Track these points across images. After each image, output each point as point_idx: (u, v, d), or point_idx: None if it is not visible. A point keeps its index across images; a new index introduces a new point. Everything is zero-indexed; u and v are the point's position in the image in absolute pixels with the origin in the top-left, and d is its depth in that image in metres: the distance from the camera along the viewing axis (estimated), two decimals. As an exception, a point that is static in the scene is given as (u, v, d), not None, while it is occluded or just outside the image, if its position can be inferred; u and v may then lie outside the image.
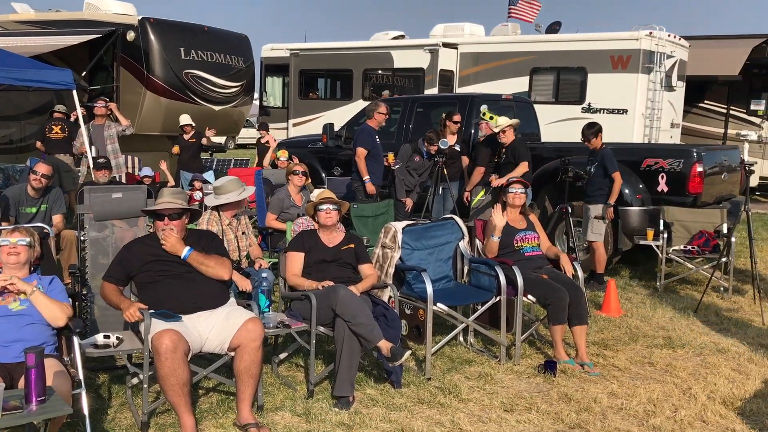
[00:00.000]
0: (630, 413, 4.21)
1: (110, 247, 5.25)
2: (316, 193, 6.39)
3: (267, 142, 11.29)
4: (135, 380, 4.06)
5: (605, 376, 4.80)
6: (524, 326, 5.14)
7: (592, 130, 7.04)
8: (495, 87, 12.45)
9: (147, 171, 8.81)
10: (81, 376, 3.47)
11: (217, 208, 5.26)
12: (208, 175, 10.06)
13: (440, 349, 5.06)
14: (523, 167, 7.38)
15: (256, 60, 13.11)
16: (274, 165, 9.46)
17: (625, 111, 11.82)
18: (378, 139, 7.86)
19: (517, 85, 12.51)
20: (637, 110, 11.80)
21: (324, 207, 4.79)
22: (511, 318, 5.05)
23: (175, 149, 10.46)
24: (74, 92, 7.88)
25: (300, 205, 6.56)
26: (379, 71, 14.08)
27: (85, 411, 3.46)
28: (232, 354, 3.88)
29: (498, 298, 5.01)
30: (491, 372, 4.81)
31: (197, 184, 8.91)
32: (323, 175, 10.27)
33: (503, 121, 7.54)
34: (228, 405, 4.14)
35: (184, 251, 3.99)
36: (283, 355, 4.78)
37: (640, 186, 7.59)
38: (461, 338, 5.40)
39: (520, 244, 5.32)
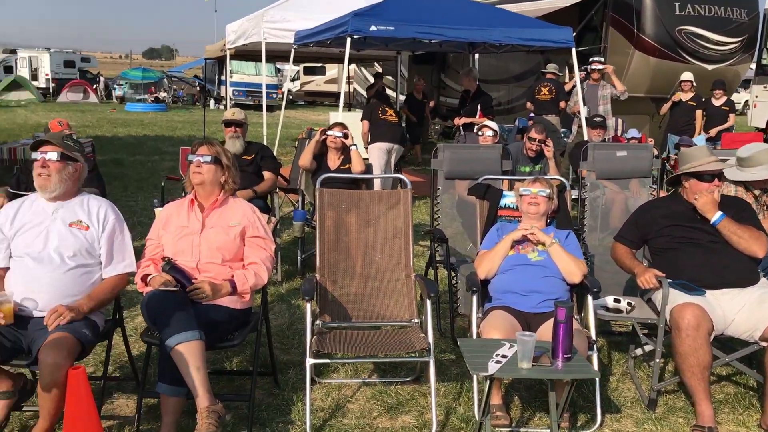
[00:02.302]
0: None
1: (599, 208, 5.05)
2: None
3: None
4: (639, 351, 3.77)
5: None
6: None
7: None
8: None
9: (633, 133, 8.40)
10: (594, 338, 3.29)
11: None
12: (698, 140, 9.21)
13: None
14: None
15: (760, 11, 11.50)
16: None
17: None
18: None
19: None
20: None
21: None
22: None
23: (665, 108, 9.80)
24: (573, 50, 7.82)
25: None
26: None
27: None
28: (764, 344, 3.27)
29: None
30: None
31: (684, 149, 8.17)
32: None
33: None
34: (749, 401, 3.54)
35: (716, 215, 3.49)
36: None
37: None
38: None
39: None
